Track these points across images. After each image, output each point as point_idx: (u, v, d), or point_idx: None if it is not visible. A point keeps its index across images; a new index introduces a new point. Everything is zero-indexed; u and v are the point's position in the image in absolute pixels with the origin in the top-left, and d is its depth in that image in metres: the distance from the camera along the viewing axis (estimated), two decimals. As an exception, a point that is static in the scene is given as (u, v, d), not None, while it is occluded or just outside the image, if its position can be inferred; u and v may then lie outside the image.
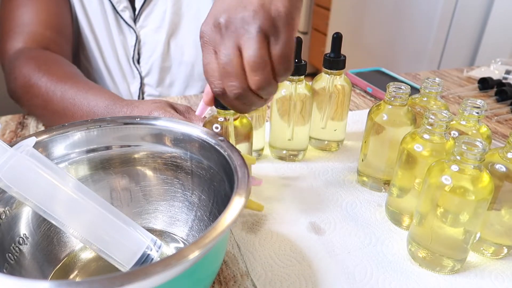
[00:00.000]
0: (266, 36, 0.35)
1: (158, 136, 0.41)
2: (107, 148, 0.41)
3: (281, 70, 0.36)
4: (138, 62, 0.81)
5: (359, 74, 0.85)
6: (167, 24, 0.78)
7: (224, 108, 0.43)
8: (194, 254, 0.26)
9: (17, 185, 0.31)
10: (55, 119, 0.56)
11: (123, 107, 0.50)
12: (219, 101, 0.41)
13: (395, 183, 0.45)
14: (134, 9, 0.77)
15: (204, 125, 0.46)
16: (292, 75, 0.52)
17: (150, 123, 0.41)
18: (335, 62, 0.54)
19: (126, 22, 0.77)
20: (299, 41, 0.50)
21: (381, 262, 0.41)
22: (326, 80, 0.55)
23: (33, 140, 0.34)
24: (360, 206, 0.49)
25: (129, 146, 0.42)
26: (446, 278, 0.39)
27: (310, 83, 0.56)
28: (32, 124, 0.65)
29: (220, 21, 0.35)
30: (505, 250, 0.42)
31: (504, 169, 0.38)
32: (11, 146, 0.32)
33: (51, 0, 0.70)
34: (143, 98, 0.83)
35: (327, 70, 0.55)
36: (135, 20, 0.77)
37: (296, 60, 0.51)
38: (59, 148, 0.39)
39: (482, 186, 0.35)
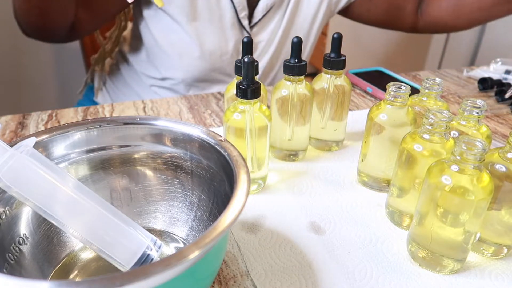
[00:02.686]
0: None
1: (158, 136, 0.41)
2: (107, 148, 0.41)
3: None
4: None
5: (359, 74, 0.85)
6: (278, 37, 0.86)
7: (245, 97, 0.45)
8: (194, 254, 0.26)
9: (17, 185, 0.31)
10: None
11: None
12: (239, 89, 0.44)
13: (395, 183, 0.45)
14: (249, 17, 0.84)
15: (224, 114, 0.47)
16: (292, 75, 0.52)
17: (150, 123, 0.41)
18: (335, 62, 0.54)
19: (245, 29, 0.83)
20: (299, 41, 0.50)
21: (381, 262, 0.41)
22: (326, 80, 0.55)
23: (33, 140, 0.34)
24: (360, 206, 0.49)
25: (129, 146, 0.42)
26: (446, 278, 0.39)
27: (310, 83, 0.56)
28: (32, 124, 0.65)
29: None
30: (505, 250, 0.42)
31: (504, 169, 0.38)
32: (11, 146, 0.32)
33: None
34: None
35: (327, 70, 0.55)
36: (251, 26, 0.84)
37: (297, 60, 0.51)
38: (59, 148, 0.39)
39: (482, 186, 0.35)
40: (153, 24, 0.83)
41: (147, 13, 0.83)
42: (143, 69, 0.90)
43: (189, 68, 0.84)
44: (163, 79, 0.88)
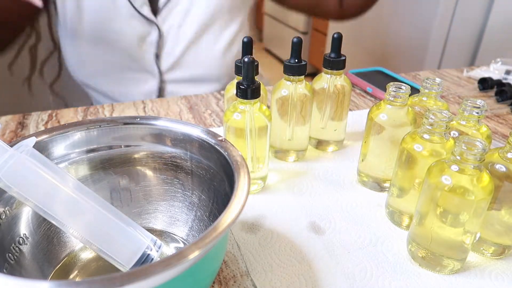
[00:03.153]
0: None
1: (158, 136, 0.41)
2: (107, 148, 0.41)
3: None
4: (157, 58, 0.79)
5: (359, 74, 0.85)
6: (196, 18, 0.77)
7: (245, 97, 0.44)
8: (194, 254, 0.26)
9: (17, 185, 0.31)
10: None
11: None
12: (240, 89, 0.44)
13: (395, 183, 0.45)
14: (151, 3, 0.75)
15: (224, 114, 0.47)
16: (292, 75, 0.52)
17: (150, 123, 0.41)
18: (335, 62, 0.54)
19: (146, 18, 0.75)
20: (299, 41, 0.50)
21: (381, 262, 0.41)
22: (326, 80, 0.55)
23: (33, 140, 0.34)
24: (360, 206, 0.49)
25: (129, 146, 0.42)
26: (446, 278, 0.39)
27: (310, 83, 0.56)
28: (32, 124, 0.65)
29: None
30: (505, 250, 0.42)
31: (504, 169, 0.38)
32: (11, 146, 0.32)
33: None
34: (161, 96, 0.82)
35: (327, 70, 0.55)
36: (155, 14, 0.76)
37: (297, 60, 0.51)
38: (59, 148, 0.39)
39: (482, 186, 0.35)
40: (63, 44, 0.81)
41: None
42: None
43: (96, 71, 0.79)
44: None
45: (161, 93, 0.82)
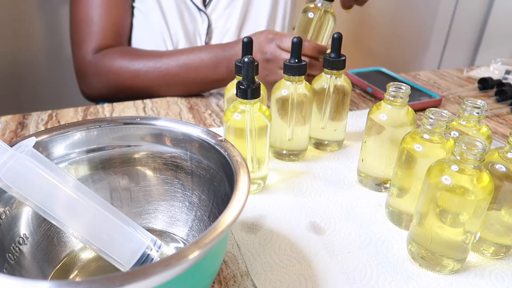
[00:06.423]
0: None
1: (158, 136, 0.41)
2: (107, 148, 0.41)
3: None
4: None
5: (359, 74, 0.85)
6: (239, 9, 0.82)
7: (245, 97, 0.45)
8: (194, 254, 0.26)
9: (17, 185, 0.31)
10: (188, 83, 0.74)
11: (234, 46, 0.67)
12: (240, 89, 0.45)
13: (395, 183, 0.45)
14: None
15: (224, 114, 0.47)
16: (292, 75, 0.52)
17: (150, 123, 0.41)
18: (335, 62, 0.54)
19: (197, 7, 0.80)
20: (299, 41, 0.50)
21: (381, 262, 0.41)
22: (326, 80, 0.55)
23: (33, 140, 0.34)
24: (360, 206, 0.49)
25: (129, 146, 0.42)
26: (446, 278, 0.39)
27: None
28: (32, 124, 0.65)
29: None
30: (505, 250, 0.42)
31: (504, 169, 0.38)
32: (11, 146, 0.32)
33: (114, 4, 0.79)
34: None
35: (327, 70, 0.55)
36: (205, 5, 0.81)
37: (297, 60, 0.51)
38: (59, 148, 0.39)
39: (482, 186, 0.35)
40: None
41: None
42: None
43: None
44: None
45: None
